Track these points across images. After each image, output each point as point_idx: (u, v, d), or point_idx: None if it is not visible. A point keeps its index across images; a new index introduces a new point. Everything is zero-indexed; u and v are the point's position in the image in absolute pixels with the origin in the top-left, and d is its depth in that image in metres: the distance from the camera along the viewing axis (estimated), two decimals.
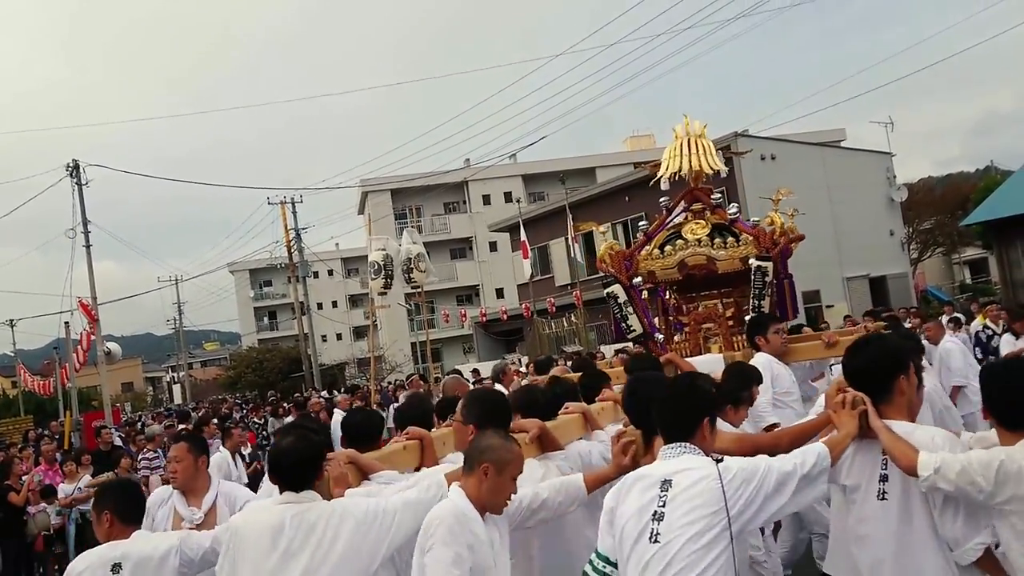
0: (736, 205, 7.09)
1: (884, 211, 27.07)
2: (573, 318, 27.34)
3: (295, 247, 35.40)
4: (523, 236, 28.12)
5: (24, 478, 9.85)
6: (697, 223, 6.64)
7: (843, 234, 24.35)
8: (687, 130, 6.86)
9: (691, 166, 6.68)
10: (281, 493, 2.92)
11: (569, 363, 10.69)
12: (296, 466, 2.90)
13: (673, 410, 2.82)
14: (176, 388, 60.87)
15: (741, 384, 4.28)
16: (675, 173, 6.74)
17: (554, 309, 28.26)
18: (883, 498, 2.83)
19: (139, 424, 20.46)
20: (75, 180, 24.46)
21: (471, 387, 7.68)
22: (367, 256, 13.18)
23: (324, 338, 52.86)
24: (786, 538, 5.31)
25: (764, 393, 4.75)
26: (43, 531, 9.74)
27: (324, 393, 24.44)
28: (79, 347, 22.97)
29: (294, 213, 35.47)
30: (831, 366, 8.30)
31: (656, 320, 6.90)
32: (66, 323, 24.93)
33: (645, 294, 6.79)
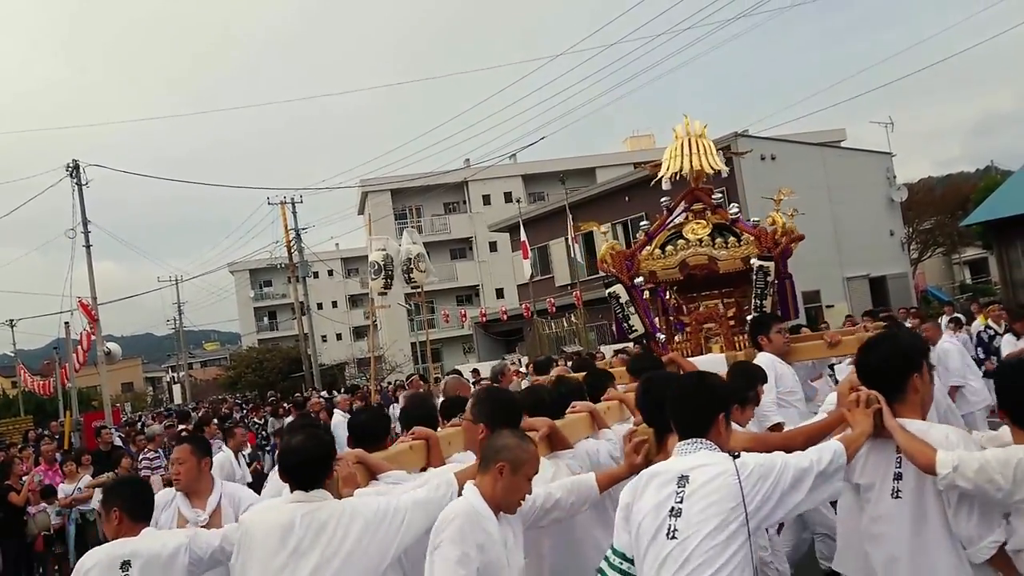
0: (736, 205, 7.09)
1: (884, 211, 27.07)
2: (573, 318, 27.32)
3: (295, 247, 35.40)
4: (523, 236, 28.11)
5: (24, 478, 9.85)
6: (698, 223, 6.62)
7: (843, 234, 24.35)
8: (688, 130, 6.85)
9: (692, 166, 6.67)
10: (292, 492, 2.92)
11: (569, 363, 10.68)
12: (305, 465, 2.90)
13: (688, 406, 2.81)
14: (176, 388, 60.86)
15: (747, 384, 4.27)
16: (676, 173, 6.73)
17: (554, 309, 28.25)
18: (897, 496, 2.83)
19: (139, 424, 20.46)
20: (75, 180, 24.45)
21: (472, 387, 7.68)
22: (367, 256, 13.20)
23: (324, 338, 52.88)
24: (789, 538, 5.31)
25: (768, 393, 4.74)
26: (43, 531, 9.74)
27: (324, 393, 24.44)
28: (79, 347, 22.96)
29: (294, 213, 35.52)
30: (832, 366, 8.34)
31: (656, 320, 6.90)
32: (66, 323, 24.94)
33: (646, 294, 6.79)
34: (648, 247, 6.73)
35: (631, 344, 8.90)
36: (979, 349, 11.18)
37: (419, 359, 33.07)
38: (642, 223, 7.57)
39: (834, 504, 3.68)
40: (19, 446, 14.54)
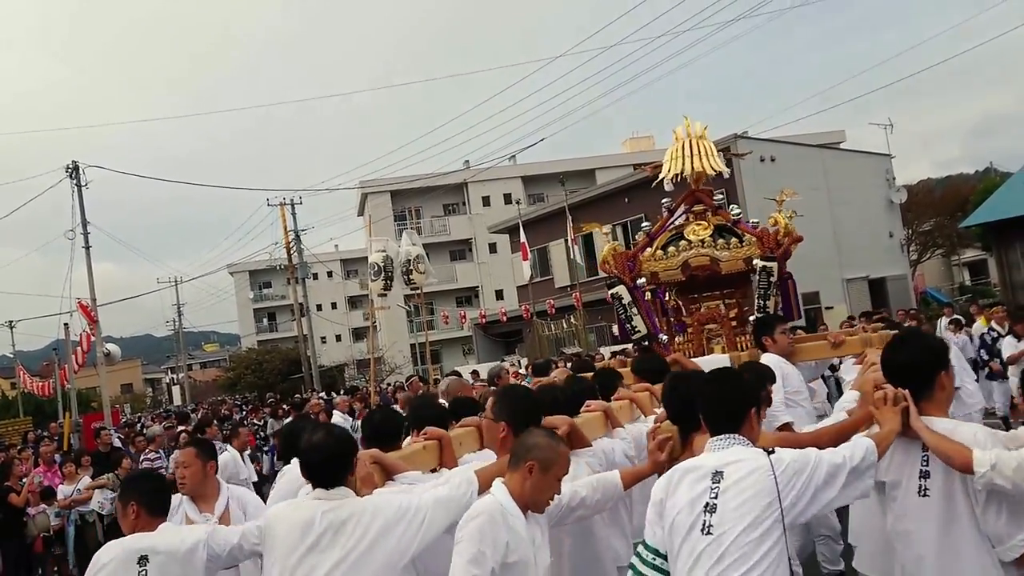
0: (736, 207, 7.09)
1: (883, 213, 27.08)
2: (572, 320, 27.30)
3: (294, 248, 35.41)
4: (523, 238, 28.10)
5: (24, 480, 9.83)
6: (699, 224, 6.63)
7: (842, 236, 24.36)
8: (688, 132, 6.85)
9: (693, 168, 6.67)
10: (313, 489, 2.92)
11: (568, 365, 10.68)
12: (327, 462, 2.90)
13: (721, 401, 2.80)
14: (175, 389, 60.77)
15: (758, 383, 4.27)
16: (677, 175, 6.73)
17: (553, 311, 28.24)
18: (925, 495, 2.83)
19: (138, 425, 20.44)
20: (74, 181, 24.44)
21: (473, 388, 7.68)
22: (366, 257, 13.17)
23: (323, 339, 52.87)
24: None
25: (776, 393, 4.74)
26: (43, 532, 9.71)
27: (323, 395, 24.42)
28: (78, 348, 22.93)
29: (293, 214, 35.55)
30: (833, 366, 8.32)
31: (657, 321, 6.90)
32: (65, 324, 24.86)
33: (648, 295, 6.79)
34: (649, 248, 6.73)
35: (630, 346, 8.91)
36: (982, 351, 11.19)
37: (418, 360, 33.08)
38: (643, 224, 7.57)
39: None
40: (18, 447, 14.49)
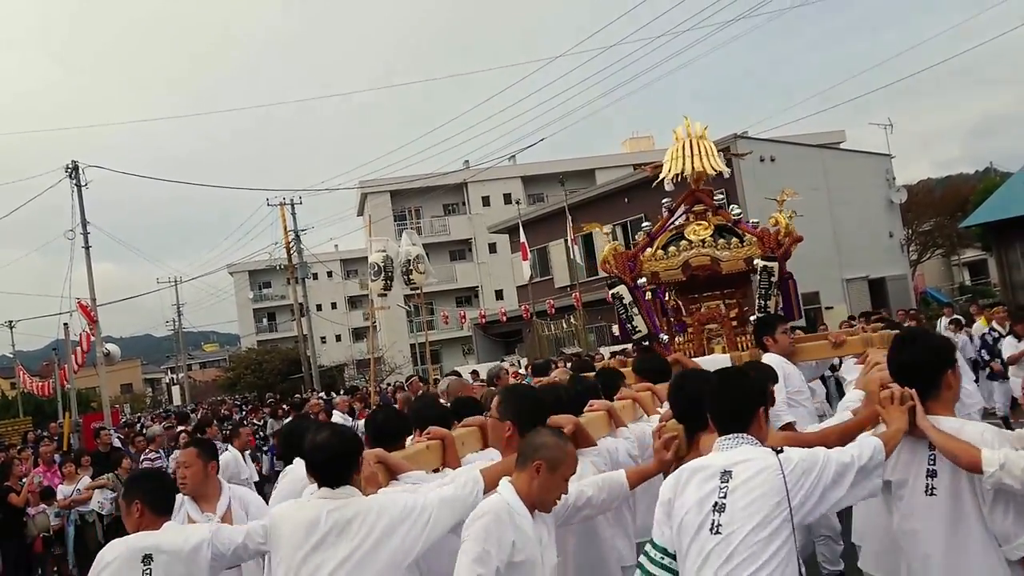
0: (736, 207, 7.08)
1: (883, 213, 27.09)
2: (572, 320, 27.30)
3: (294, 248, 35.41)
4: (522, 238, 28.09)
5: (24, 480, 9.83)
6: (699, 224, 6.62)
7: (842, 236, 24.36)
8: (688, 132, 6.85)
9: (693, 168, 6.67)
10: (319, 488, 2.93)
11: (568, 365, 10.68)
12: (332, 461, 2.91)
13: (730, 400, 2.80)
14: (175, 389, 60.79)
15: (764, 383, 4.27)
16: (677, 175, 6.73)
17: (553, 311, 28.24)
18: (931, 493, 2.83)
19: (138, 425, 20.43)
20: (74, 181, 24.43)
21: (474, 388, 7.67)
22: (366, 257, 13.18)
23: (323, 339, 52.87)
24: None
25: (779, 393, 4.74)
26: (42, 532, 9.71)
27: (323, 394, 24.41)
28: (78, 348, 22.93)
29: (293, 214, 35.54)
30: (833, 367, 8.32)
31: (657, 321, 6.89)
32: (65, 324, 24.86)
33: (649, 295, 6.78)
34: (650, 248, 6.73)
35: (629, 346, 8.90)
36: (983, 351, 11.19)
37: (418, 360, 33.07)
38: (642, 224, 7.57)
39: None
40: (18, 447, 14.48)
